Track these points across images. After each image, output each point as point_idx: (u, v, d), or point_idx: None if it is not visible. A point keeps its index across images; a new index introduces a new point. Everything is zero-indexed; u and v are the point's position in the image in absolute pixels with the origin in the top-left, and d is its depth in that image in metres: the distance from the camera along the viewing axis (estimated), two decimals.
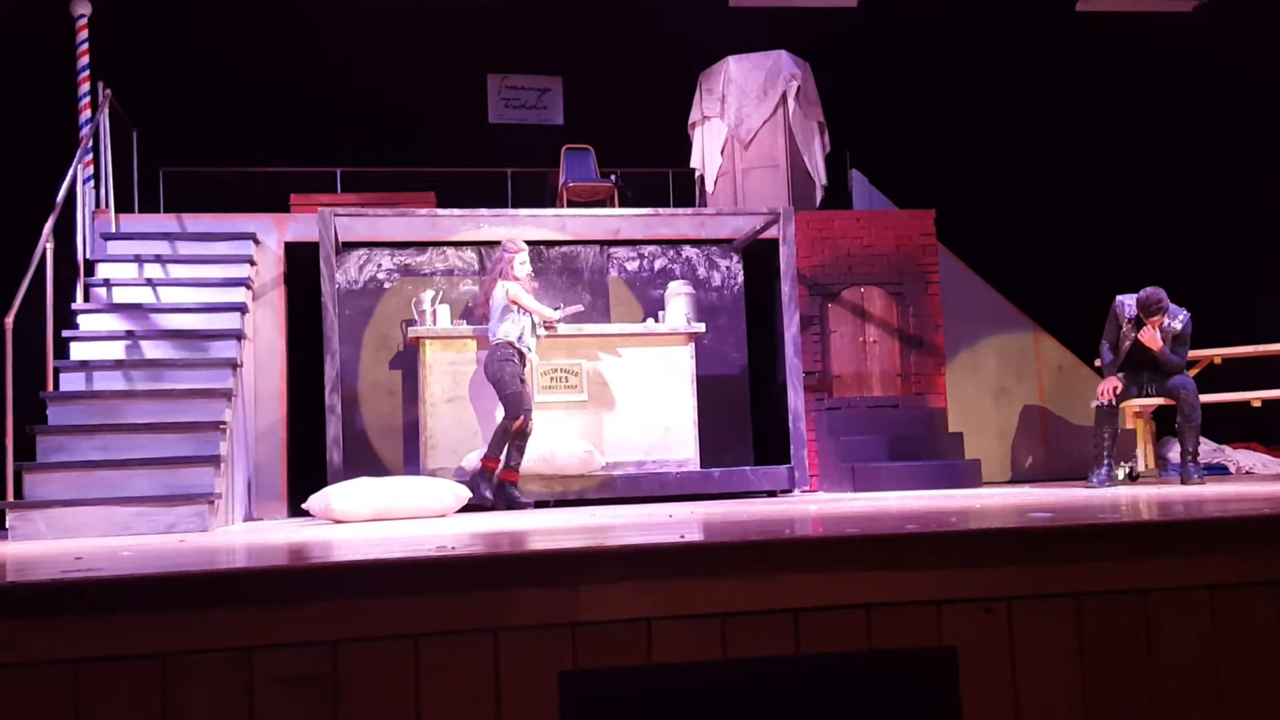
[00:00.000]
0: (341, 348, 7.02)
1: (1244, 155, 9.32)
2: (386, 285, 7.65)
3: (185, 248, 7.19)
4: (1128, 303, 6.19)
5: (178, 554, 3.21)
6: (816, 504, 5.30)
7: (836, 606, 2.34)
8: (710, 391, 7.72)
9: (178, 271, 7.01)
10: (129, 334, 6.40)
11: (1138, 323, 6.16)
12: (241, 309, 6.72)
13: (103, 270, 6.92)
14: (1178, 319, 6.13)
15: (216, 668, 2.14)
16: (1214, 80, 9.17)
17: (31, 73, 8.33)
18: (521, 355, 6.39)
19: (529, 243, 7.22)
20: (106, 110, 7.11)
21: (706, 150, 8.59)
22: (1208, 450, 8.06)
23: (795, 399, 7.15)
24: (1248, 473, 7.97)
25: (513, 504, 6.19)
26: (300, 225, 7.36)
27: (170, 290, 6.84)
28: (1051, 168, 9.99)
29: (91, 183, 7.07)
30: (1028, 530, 2.49)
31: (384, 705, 2.18)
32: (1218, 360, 7.14)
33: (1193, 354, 6.44)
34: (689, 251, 8.08)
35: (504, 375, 6.29)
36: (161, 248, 7.13)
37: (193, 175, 8.93)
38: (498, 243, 7.79)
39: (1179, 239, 9.51)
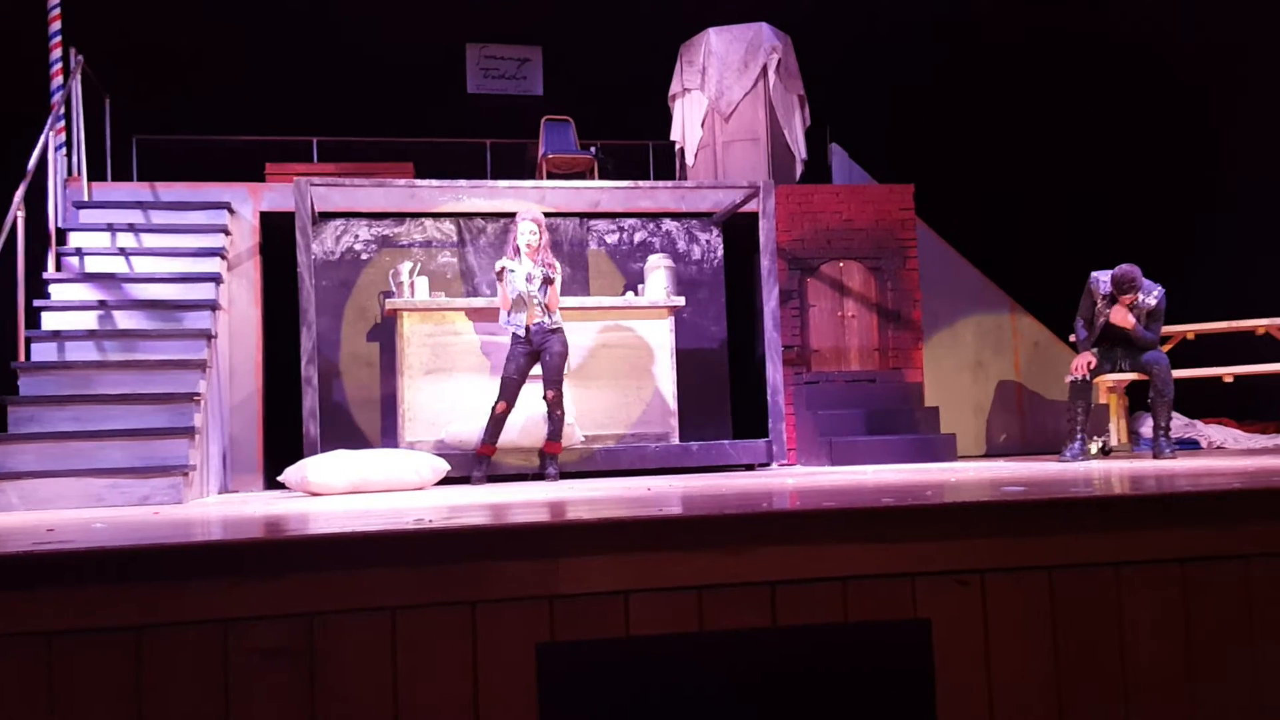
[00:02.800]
0: (318, 319, 6.98)
1: (1219, 134, 9.36)
2: (364, 256, 7.60)
3: (159, 217, 7.12)
4: (1102, 279, 6.23)
5: (152, 526, 3.20)
6: (794, 477, 5.33)
7: (813, 579, 2.36)
8: (689, 365, 7.73)
9: (151, 241, 6.94)
10: (101, 304, 6.34)
11: (1112, 299, 6.20)
12: (216, 279, 6.67)
13: (75, 239, 6.84)
14: (1152, 295, 6.17)
15: (192, 641, 2.13)
16: (1190, 57, 9.19)
17: (1, 38, 8.20)
18: (515, 336, 6.31)
19: (506, 215, 7.19)
20: (79, 76, 7.01)
21: (687, 123, 8.56)
22: (1179, 425, 8.14)
23: (774, 373, 7.16)
24: (1219, 448, 8.05)
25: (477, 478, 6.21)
26: (276, 195, 7.29)
27: (143, 260, 6.78)
28: (1030, 144, 10.01)
29: (63, 150, 6.97)
30: (1002, 504, 2.51)
31: (361, 677, 2.18)
32: (1190, 336, 7.20)
33: (1166, 330, 6.51)
34: (669, 224, 8.07)
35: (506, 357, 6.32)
36: (135, 217, 7.05)
37: (167, 143, 8.84)
38: (476, 214, 7.78)
39: (1154, 217, 9.56)
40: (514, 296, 6.23)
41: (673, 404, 7.40)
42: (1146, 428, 7.60)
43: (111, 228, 6.91)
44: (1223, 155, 9.39)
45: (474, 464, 6.29)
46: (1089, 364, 6.19)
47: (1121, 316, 6.05)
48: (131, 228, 6.96)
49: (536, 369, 6.32)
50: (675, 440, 7.32)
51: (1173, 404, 6.26)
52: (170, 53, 9.30)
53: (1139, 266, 6.12)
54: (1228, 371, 6.96)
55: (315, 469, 5.57)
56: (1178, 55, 9.34)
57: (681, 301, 7.48)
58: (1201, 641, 2.48)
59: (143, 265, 6.75)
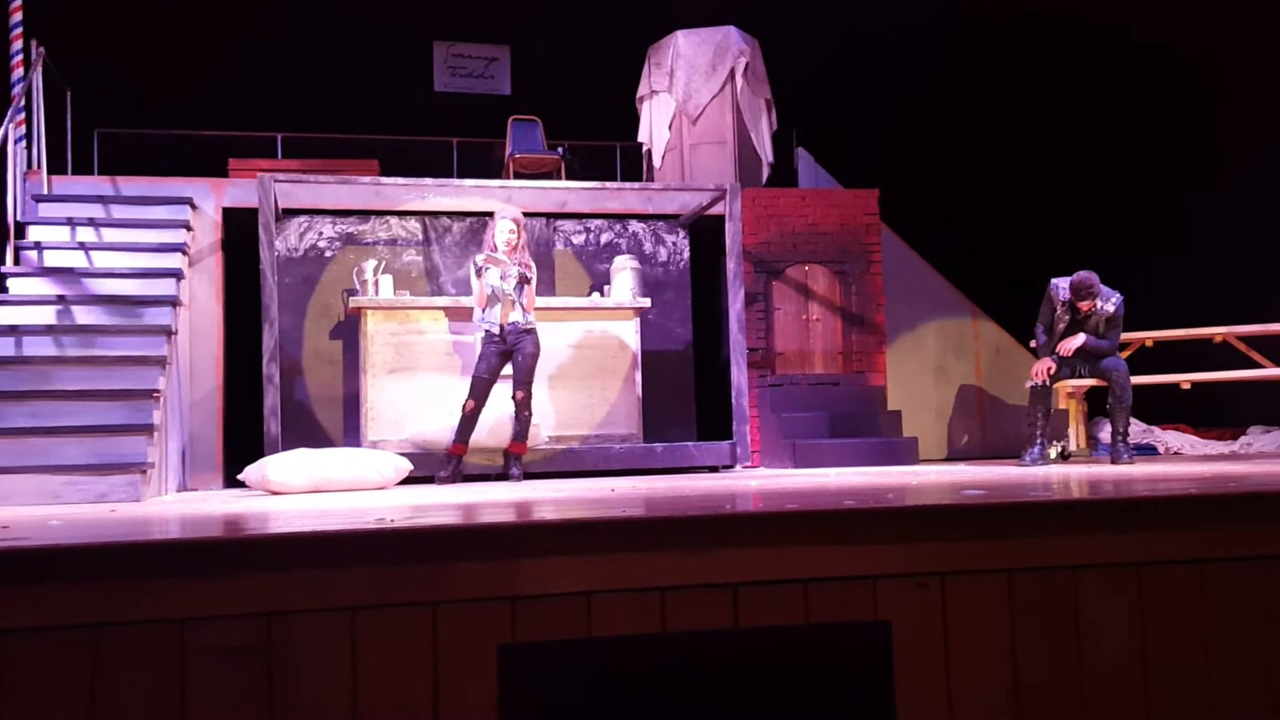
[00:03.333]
0: (281, 317, 6.92)
1: (1183, 145, 9.49)
2: (328, 254, 7.54)
3: (119, 211, 7.04)
4: (1062, 286, 6.31)
5: (109, 524, 3.16)
6: (757, 480, 5.34)
7: (775, 581, 2.36)
8: (655, 366, 7.74)
9: (111, 235, 6.86)
10: (60, 299, 6.25)
11: (1071, 306, 6.28)
12: (177, 275, 6.60)
13: (34, 233, 6.75)
14: (1110, 301, 6.26)
15: (149, 640, 2.11)
16: (1158, 69, 9.31)
17: None
18: (488, 335, 6.28)
19: (472, 215, 7.16)
20: (40, 68, 6.91)
21: (654, 125, 8.57)
22: (1137, 431, 8.25)
23: (739, 375, 7.18)
24: (1176, 453, 8.17)
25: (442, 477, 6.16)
26: (239, 191, 7.23)
27: (103, 255, 6.69)
28: (994, 152, 10.10)
29: (23, 143, 6.87)
30: (962, 507, 2.53)
31: (320, 678, 2.17)
32: (1149, 343, 7.30)
33: (1125, 337, 6.60)
34: (636, 226, 8.07)
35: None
36: (95, 211, 6.97)
37: (129, 137, 8.73)
38: (443, 213, 7.75)
39: (1115, 226, 9.68)
40: (489, 294, 6.21)
41: (638, 405, 7.40)
42: (1105, 433, 7.69)
43: (71, 222, 6.82)
44: (1184, 166, 9.51)
45: (442, 463, 6.25)
46: (1049, 370, 6.27)
47: (1067, 347, 6.19)
48: (92, 222, 6.87)
49: (506, 369, 6.30)
50: (640, 441, 7.33)
51: (1131, 410, 6.35)
52: (133, 45, 9.19)
53: (1097, 274, 6.20)
54: (1185, 378, 7.07)
55: (276, 467, 5.52)
56: (1144, 63, 9.45)
57: (648, 303, 7.48)
58: (1157, 644, 2.52)
59: (103, 260, 6.66)
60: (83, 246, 6.72)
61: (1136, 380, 6.47)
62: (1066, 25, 9.69)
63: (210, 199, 7.21)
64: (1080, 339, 6.22)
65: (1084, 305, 6.18)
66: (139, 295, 6.38)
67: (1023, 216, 10.03)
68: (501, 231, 6.24)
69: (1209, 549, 2.55)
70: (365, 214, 7.61)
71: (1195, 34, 9.03)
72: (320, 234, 7.55)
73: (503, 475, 6.41)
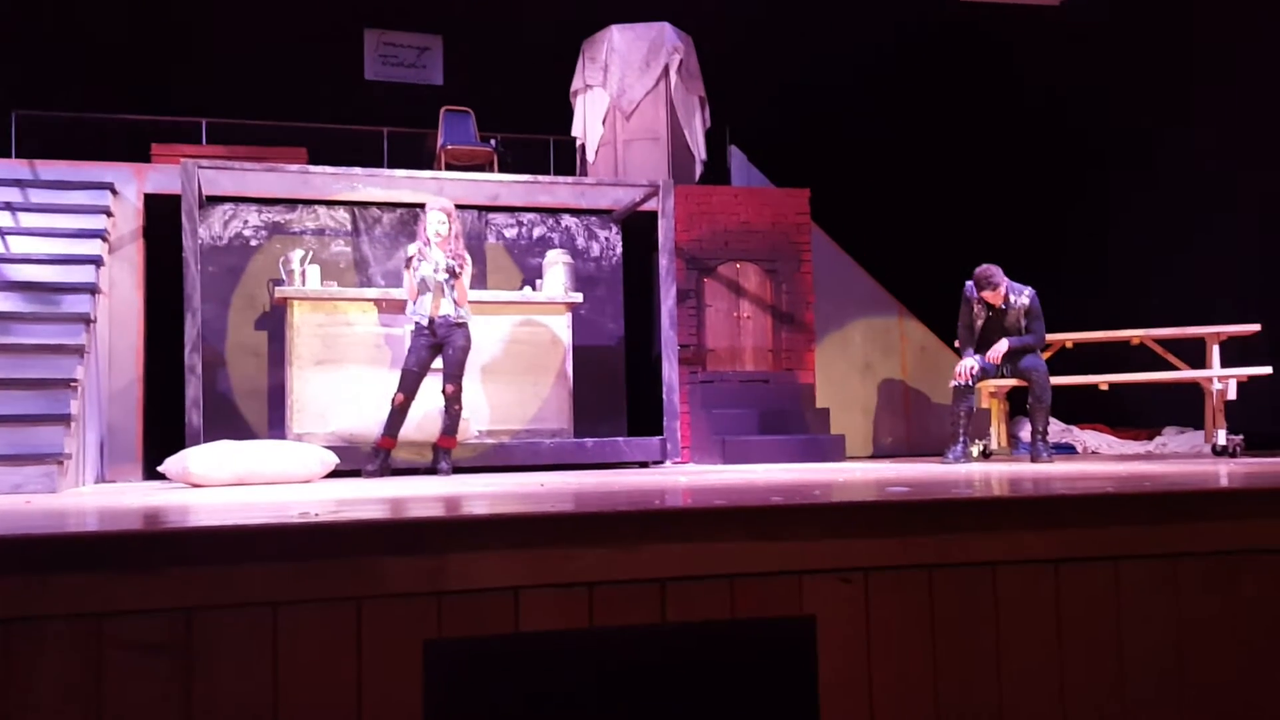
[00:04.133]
0: (204, 306, 6.79)
1: (1098, 152, 9.71)
2: (254, 243, 7.41)
3: (37, 196, 6.84)
4: (973, 287, 6.53)
5: (23, 515, 3.07)
6: (687, 475, 5.37)
7: (702, 576, 2.38)
8: (586, 362, 7.73)
9: (29, 220, 6.67)
10: None
11: (987, 305, 6.47)
12: (97, 262, 6.44)
13: None
14: (1024, 295, 6.49)
15: (63, 635, 2.05)
16: (1082, 75, 9.51)
17: None
18: (418, 327, 6.22)
19: (403, 206, 7.08)
20: None
21: (588, 119, 8.56)
22: (1057, 430, 8.44)
23: (669, 371, 7.21)
24: (1094, 452, 8.37)
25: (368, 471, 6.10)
26: (162, 176, 7.07)
27: (20, 240, 6.50)
28: (922, 154, 10.25)
29: None
30: (885, 504, 2.57)
31: (241, 674, 2.13)
32: (1069, 345, 7.46)
33: (1046, 338, 6.77)
34: (568, 220, 8.05)
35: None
36: (12, 195, 6.77)
37: (48, 119, 8.50)
38: (372, 204, 7.65)
39: (1036, 229, 9.88)
40: (419, 285, 6.14)
41: (569, 400, 7.39)
42: (1025, 432, 7.86)
43: None
44: (1099, 172, 9.74)
45: (369, 457, 6.18)
46: (972, 369, 6.41)
47: (995, 355, 6.41)
48: (8, 206, 6.68)
49: (437, 363, 6.25)
50: (570, 437, 7.32)
51: (1050, 409, 6.52)
52: (54, 25, 8.93)
53: (1000, 267, 6.41)
54: (1103, 379, 7.24)
55: (197, 460, 5.42)
56: (1074, 68, 9.64)
57: (579, 298, 7.47)
58: (1073, 639, 2.58)
59: (19, 245, 6.47)
60: None
61: (1056, 381, 6.63)
62: (996, 31, 9.86)
63: (132, 184, 7.04)
64: (1004, 345, 6.38)
65: (988, 296, 6.39)
66: (57, 282, 6.21)
67: (949, 218, 10.20)
68: (432, 223, 6.18)
69: (1124, 546, 2.62)
70: (293, 203, 7.49)
71: (1123, 44, 9.25)
72: (246, 223, 7.41)
73: (431, 470, 6.36)
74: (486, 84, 9.90)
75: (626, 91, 8.34)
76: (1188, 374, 7.14)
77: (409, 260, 6.19)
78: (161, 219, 7.01)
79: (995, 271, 6.39)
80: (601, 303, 8.00)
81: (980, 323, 6.53)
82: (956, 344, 6.87)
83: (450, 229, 6.21)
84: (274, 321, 7.28)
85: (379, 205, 7.64)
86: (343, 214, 7.61)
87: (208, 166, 6.78)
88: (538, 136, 9.68)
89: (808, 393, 8.01)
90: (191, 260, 6.44)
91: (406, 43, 10.78)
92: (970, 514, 2.58)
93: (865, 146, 10.17)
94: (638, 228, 8.11)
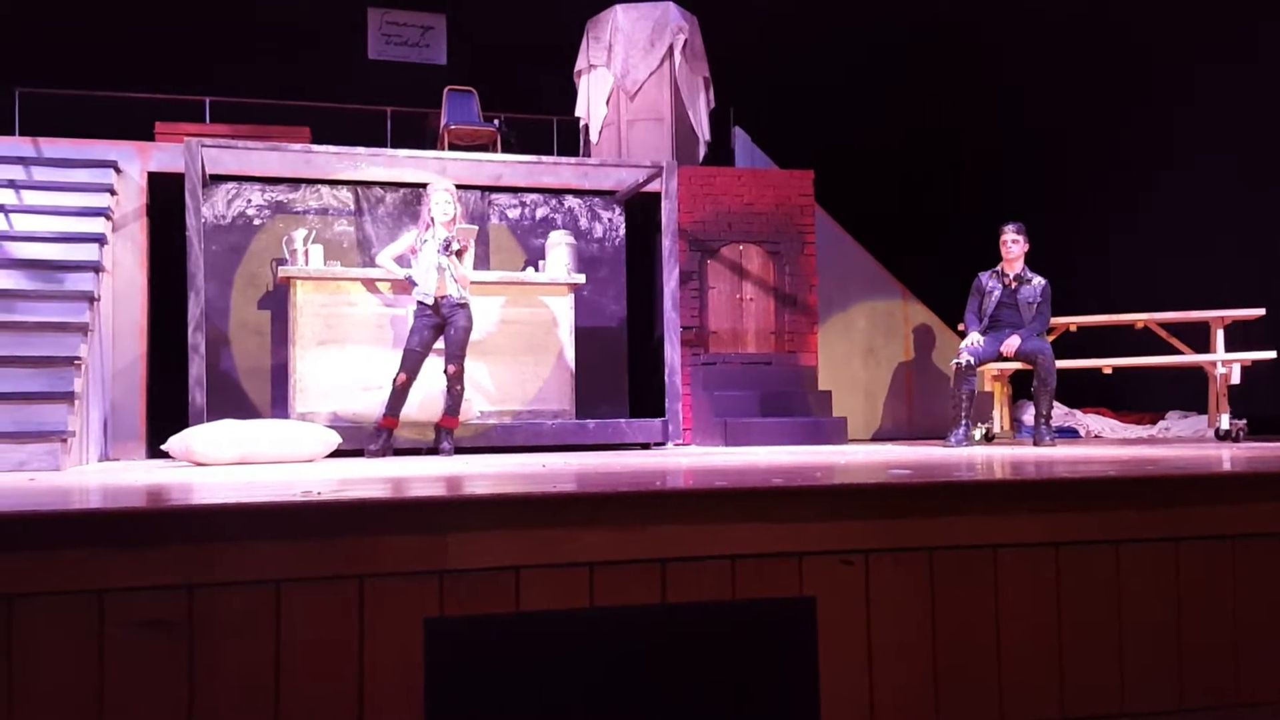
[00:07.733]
0: (208, 285, 6.78)
1: (1112, 133, 9.65)
2: (257, 222, 7.40)
3: (41, 174, 6.83)
4: (984, 277, 6.69)
5: (27, 493, 3.08)
6: (688, 457, 5.38)
7: (703, 557, 2.39)
8: (588, 343, 7.73)
9: (32, 198, 6.66)
10: None
11: (1001, 278, 6.62)
12: (100, 240, 6.43)
13: None
14: (1039, 278, 6.55)
15: (66, 611, 2.06)
16: (1093, 49, 9.43)
17: None
18: (422, 307, 6.23)
19: (406, 186, 7.06)
20: None
21: (592, 99, 8.53)
22: (1060, 414, 8.43)
23: (672, 353, 7.21)
24: (1096, 436, 8.37)
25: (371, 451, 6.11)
26: (165, 155, 7.06)
27: (24, 218, 6.50)
28: (927, 136, 10.21)
29: None
30: (885, 486, 2.58)
31: (242, 652, 2.14)
32: (1073, 328, 7.45)
33: (1051, 321, 6.78)
34: (571, 201, 8.04)
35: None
36: (15, 172, 6.75)
37: (52, 97, 8.47)
38: (375, 183, 7.63)
39: (1043, 212, 9.84)
40: (426, 265, 6.16)
41: (571, 381, 7.39)
42: (1028, 415, 7.86)
43: None
44: (1105, 155, 9.69)
45: (372, 436, 6.19)
46: (976, 343, 6.48)
47: (1009, 348, 6.46)
48: (12, 184, 6.67)
49: (439, 343, 6.26)
50: (572, 418, 7.32)
51: (1054, 393, 6.52)
52: (58, 2, 8.90)
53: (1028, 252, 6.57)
54: (1107, 363, 7.23)
55: (201, 438, 5.42)
56: (1086, 40, 9.57)
57: (582, 279, 7.47)
58: (1072, 622, 2.58)
59: (23, 223, 6.47)
60: (2, 209, 6.52)
61: (1060, 364, 6.62)
62: (1008, 10, 9.80)
63: (135, 163, 7.03)
64: (1018, 341, 6.41)
65: (1008, 244, 6.56)
66: (60, 260, 6.21)
67: (953, 201, 10.17)
68: (438, 204, 6.20)
69: (1124, 530, 2.63)
70: (296, 182, 7.48)
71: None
72: (249, 202, 7.40)
73: (433, 450, 6.37)
74: (490, 64, 9.87)
75: (630, 72, 8.31)
76: (1191, 358, 7.12)
77: (412, 247, 6.25)
78: (165, 197, 7.00)
79: (1022, 226, 6.63)
80: (604, 284, 7.99)
81: (991, 304, 6.59)
82: (961, 327, 6.88)
83: (455, 209, 6.25)
84: (277, 301, 7.28)
85: (382, 185, 7.62)
86: (346, 194, 7.59)
87: (211, 145, 6.76)
88: (541, 117, 9.65)
89: (810, 375, 8.00)
90: (195, 239, 6.43)
91: (410, 22, 10.74)
92: (971, 497, 2.58)
93: (870, 129, 10.13)
94: (641, 209, 8.09)
